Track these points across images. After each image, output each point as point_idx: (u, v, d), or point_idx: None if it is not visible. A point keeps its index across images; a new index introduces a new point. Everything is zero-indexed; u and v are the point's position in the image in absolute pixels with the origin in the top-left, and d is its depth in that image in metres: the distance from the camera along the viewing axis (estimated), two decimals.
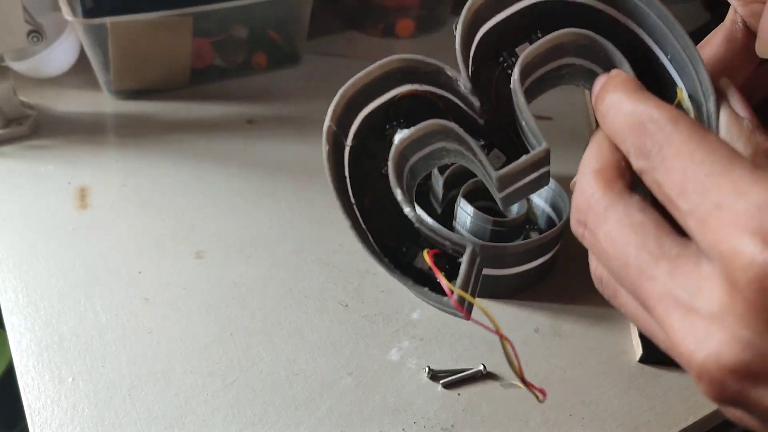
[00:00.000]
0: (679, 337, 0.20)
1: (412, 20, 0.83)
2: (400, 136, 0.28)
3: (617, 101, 0.24)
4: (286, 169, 0.60)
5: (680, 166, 0.21)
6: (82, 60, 0.70)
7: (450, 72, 0.30)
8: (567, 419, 0.40)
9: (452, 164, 0.51)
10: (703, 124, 0.26)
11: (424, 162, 0.31)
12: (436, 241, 0.27)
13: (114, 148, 0.63)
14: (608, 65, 0.28)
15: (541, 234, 0.47)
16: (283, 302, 0.47)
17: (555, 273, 0.51)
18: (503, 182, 0.27)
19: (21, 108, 0.63)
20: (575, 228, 0.25)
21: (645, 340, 0.44)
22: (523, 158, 0.27)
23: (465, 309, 0.25)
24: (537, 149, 0.27)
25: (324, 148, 0.29)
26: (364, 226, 0.29)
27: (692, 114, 0.26)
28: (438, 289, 0.26)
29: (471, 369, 0.43)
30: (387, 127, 0.31)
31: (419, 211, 0.48)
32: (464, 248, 0.26)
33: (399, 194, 0.27)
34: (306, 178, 0.59)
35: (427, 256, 0.27)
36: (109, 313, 0.46)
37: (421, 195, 0.51)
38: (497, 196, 0.29)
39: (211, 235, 0.53)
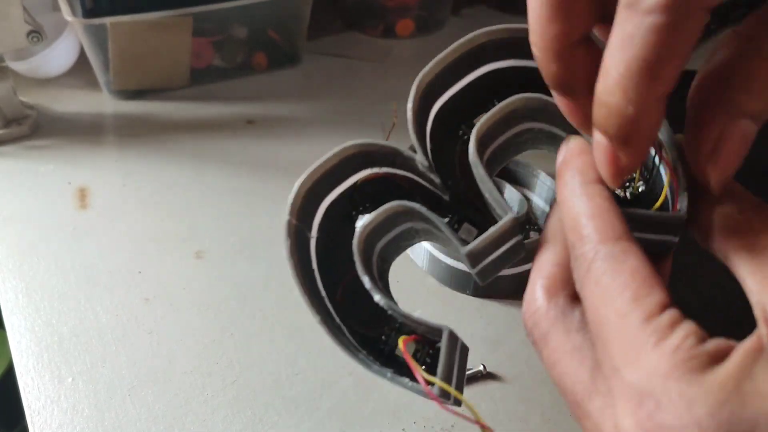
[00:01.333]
0: None
1: (412, 20, 0.83)
2: (361, 222, 0.27)
3: (566, 199, 0.24)
4: (286, 169, 0.60)
5: (592, 310, 0.21)
6: (82, 60, 0.70)
7: (406, 153, 0.29)
8: (567, 419, 0.40)
9: None
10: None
11: (395, 244, 0.30)
12: (410, 327, 0.26)
13: (114, 148, 0.63)
14: (568, 127, 0.27)
15: (541, 234, 0.47)
16: (283, 302, 0.47)
17: None
18: (474, 258, 0.26)
19: (21, 108, 0.63)
20: (527, 334, 0.25)
21: None
22: (490, 231, 0.26)
23: (452, 400, 0.24)
24: (503, 220, 0.26)
25: (285, 243, 0.27)
26: (338, 320, 0.28)
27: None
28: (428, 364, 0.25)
29: (471, 369, 0.43)
30: (353, 213, 0.30)
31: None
32: (438, 333, 0.25)
33: (367, 281, 0.26)
34: None
35: (401, 345, 0.26)
36: (109, 313, 0.46)
37: None
38: (471, 272, 0.28)
39: (211, 235, 0.53)
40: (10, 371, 0.45)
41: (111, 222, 0.53)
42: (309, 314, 0.47)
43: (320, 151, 0.29)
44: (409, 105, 0.29)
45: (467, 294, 0.48)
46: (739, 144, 0.22)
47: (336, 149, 0.29)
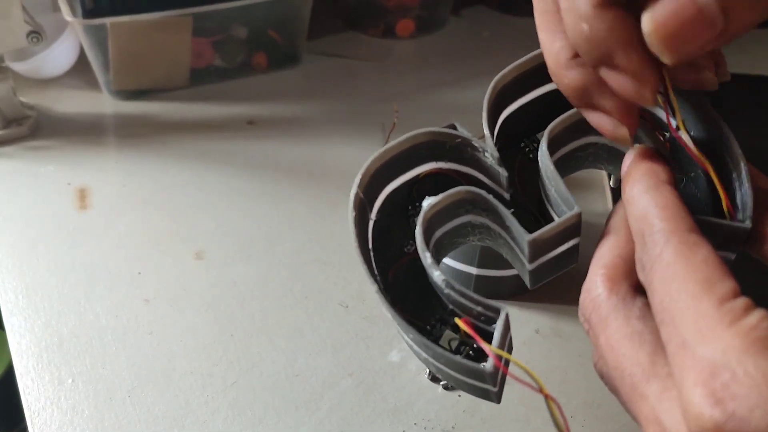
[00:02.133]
0: None
1: (412, 20, 0.83)
2: (428, 201, 0.28)
3: (635, 196, 0.25)
4: (286, 170, 0.60)
5: (661, 291, 0.22)
6: (82, 60, 0.70)
7: (476, 143, 0.30)
8: (568, 420, 0.40)
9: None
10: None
11: (450, 238, 0.30)
12: (465, 308, 0.26)
13: (114, 148, 0.63)
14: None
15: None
16: (283, 302, 0.47)
17: None
18: (535, 248, 0.27)
19: (21, 108, 0.63)
20: (582, 322, 0.26)
21: None
22: (556, 222, 0.26)
23: (503, 362, 0.25)
24: (569, 213, 0.26)
25: (350, 214, 0.28)
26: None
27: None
28: (470, 359, 0.25)
29: None
30: (410, 207, 0.31)
31: None
32: (496, 312, 0.26)
33: (428, 257, 0.27)
34: (306, 179, 0.59)
35: (461, 322, 0.26)
36: (109, 314, 0.46)
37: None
38: (527, 268, 0.28)
39: (211, 235, 0.53)
40: (9, 372, 0.45)
41: (111, 222, 0.53)
42: (309, 316, 0.47)
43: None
44: (485, 103, 0.30)
45: None
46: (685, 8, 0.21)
47: (408, 134, 0.30)
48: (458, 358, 0.25)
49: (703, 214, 0.25)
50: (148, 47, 0.67)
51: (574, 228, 0.27)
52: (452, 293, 0.26)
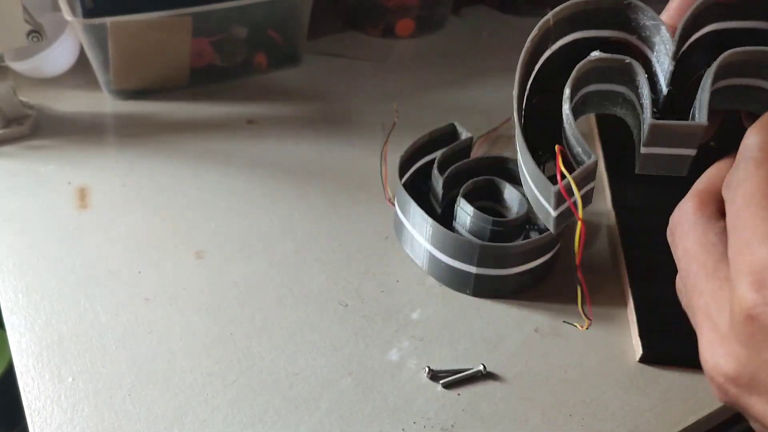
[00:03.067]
0: (702, 346, 0.26)
1: (412, 20, 0.83)
2: (596, 54, 0.31)
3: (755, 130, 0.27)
4: (286, 169, 0.60)
5: (740, 203, 0.25)
6: (82, 60, 0.70)
7: (663, 35, 0.31)
8: (567, 419, 0.40)
9: (453, 165, 0.51)
10: None
11: (599, 99, 0.33)
12: (570, 143, 0.30)
13: (114, 148, 0.63)
14: None
15: (541, 234, 0.47)
16: (283, 302, 0.47)
17: (555, 273, 0.51)
18: (653, 135, 0.29)
19: (21, 108, 0.63)
20: (668, 235, 0.30)
21: (645, 340, 0.44)
22: (682, 122, 0.29)
23: (568, 195, 0.29)
24: (695, 121, 0.29)
25: (533, 33, 0.31)
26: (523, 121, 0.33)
27: None
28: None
29: (471, 369, 0.43)
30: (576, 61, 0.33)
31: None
32: (588, 155, 0.29)
33: (568, 92, 0.30)
34: (306, 178, 0.59)
35: (557, 148, 0.30)
36: (109, 313, 0.46)
37: (421, 195, 0.51)
38: (639, 151, 0.30)
39: (211, 235, 0.53)
40: (10, 371, 0.45)
41: (111, 222, 0.53)
42: (309, 315, 0.47)
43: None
44: (689, 12, 0.31)
45: (467, 294, 0.48)
46: None
47: None
48: (540, 171, 0.29)
49: None
50: (148, 47, 0.67)
51: (694, 137, 0.29)
52: (569, 127, 0.30)
